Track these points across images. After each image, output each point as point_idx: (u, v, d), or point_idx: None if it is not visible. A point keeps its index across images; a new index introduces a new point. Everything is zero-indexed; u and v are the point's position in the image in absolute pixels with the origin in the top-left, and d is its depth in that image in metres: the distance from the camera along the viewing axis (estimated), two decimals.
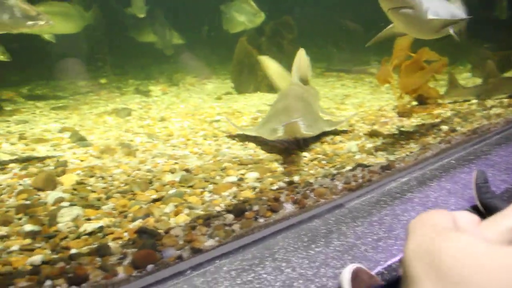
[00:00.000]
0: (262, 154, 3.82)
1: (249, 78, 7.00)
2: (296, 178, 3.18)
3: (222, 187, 3.03)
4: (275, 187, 3.03)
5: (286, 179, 3.16)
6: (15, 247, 2.36)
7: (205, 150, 3.94)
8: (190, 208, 2.71)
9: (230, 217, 2.58)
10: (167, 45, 8.58)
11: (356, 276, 2.12)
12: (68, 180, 3.28)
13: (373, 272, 2.29)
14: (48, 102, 6.96)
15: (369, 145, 4.10)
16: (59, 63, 8.22)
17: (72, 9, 6.79)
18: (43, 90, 8.07)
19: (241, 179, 3.18)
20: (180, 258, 2.26)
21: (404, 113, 5.29)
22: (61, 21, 6.38)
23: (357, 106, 5.99)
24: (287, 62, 6.74)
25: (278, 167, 3.46)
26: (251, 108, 5.80)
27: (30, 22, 3.11)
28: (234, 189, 3.00)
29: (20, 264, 2.17)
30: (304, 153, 3.78)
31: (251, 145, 4.07)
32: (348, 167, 3.49)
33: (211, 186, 3.08)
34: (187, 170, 3.39)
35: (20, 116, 5.85)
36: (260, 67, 6.38)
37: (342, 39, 9.94)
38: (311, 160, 3.63)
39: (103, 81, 8.58)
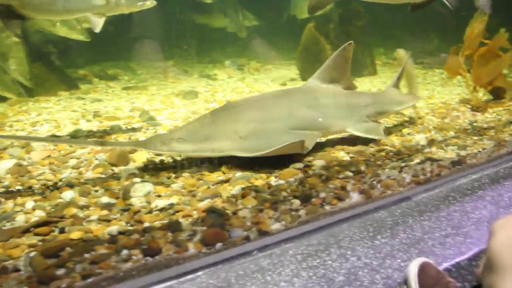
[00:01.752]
0: (328, 143, 3.80)
1: (315, 65, 6.93)
2: (363, 168, 3.15)
3: (288, 172, 3.06)
4: (341, 176, 3.02)
5: (353, 168, 3.14)
6: (94, 217, 2.51)
7: None
8: (257, 191, 2.76)
9: (296, 202, 2.61)
10: (240, 27, 8.59)
11: (423, 270, 2.09)
12: (139, 157, 3.44)
13: (440, 268, 2.25)
14: (119, 82, 7.28)
15: (439, 139, 3.97)
16: (133, 44, 8.55)
17: None
18: (114, 70, 8.43)
19: (307, 166, 3.20)
20: (247, 239, 2.32)
21: (478, 108, 5.04)
22: None
23: (427, 98, 5.79)
24: (355, 51, 6.62)
25: (344, 156, 3.43)
26: None
27: (140, 3, 3.28)
28: (300, 175, 3.02)
29: (99, 232, 2.31)
30: (371, 144, 3.72)
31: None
32: (417, 160, 3.40)
33: (276, 171, 3.11)
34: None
35: (94, 95, 6.16)
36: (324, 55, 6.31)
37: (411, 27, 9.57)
38: (378, 151, 3.57)
39: (170, 63, 8.82)
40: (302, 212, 2.55)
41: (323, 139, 3.86)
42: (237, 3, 8.72)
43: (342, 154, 3.49)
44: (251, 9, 9.12)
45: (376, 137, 3.75)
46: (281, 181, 2.96)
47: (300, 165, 3.22)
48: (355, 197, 2.79)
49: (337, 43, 6.74)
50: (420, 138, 3.91)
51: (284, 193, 2.74)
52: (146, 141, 3.26)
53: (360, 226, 2.58)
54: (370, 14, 7.32)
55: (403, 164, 3.31)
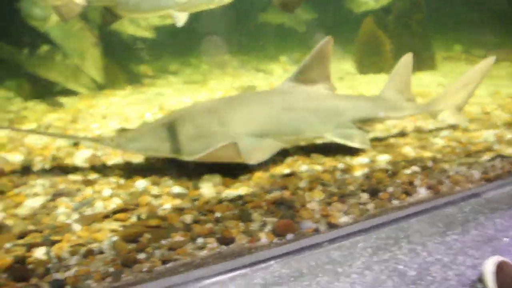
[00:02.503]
0: (391, 138, 3.76)
1: (373, 59, 6.84)
2: (430, 164, 3.10)
3: (353, 167, 3.06)
4: (408, 171, 2.99)
5: (420, 164, 3.10)
6: (167, 206, 2.64)
7: None
8: (324, 185, 2.79)
9: (364, 196, 2.62)
10: (298, 22, 8.53)
11: (501, 269, 2.04)
12: None
13: None
14: (180, 77, 7.49)
15: (509, 135, 3.82)
16: (193, 40, 8.75)
17: None
18: (174, 66, 8.66)
19: (372, 161, 3.19)
20: (316, 231, 2.36)
21: None
22: None
23: (492, 93, 5.57)
24: (414, 45, 6.46)
25: (409, 152, 3.39)
26: (375, 91, 5.67)
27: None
28: (366, 170, 3.02)
29: (174, 220, 2.43)
30: (437, 139, 3.65)
31: (378, 126, 4.02)
32: (486, 157, 3.31)
33: (341, 165, 3.13)
34: (316, 148, 3.47)
35: (157, 89, 6.38)
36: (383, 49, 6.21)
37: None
38: (445, 147, 3.50)
39: (227, 58, 8.95)
40: (370, 206, 2.56)
41: (386, 134, 3.83)
42: None
43: (407, 149, 3.44)
44: (309, 2, 9.05)
45: (359, 146, 3.30)
46: (347, 175, 2.97)
47: (365, 159, 3.21)
48: (423, 192, 2.77)
49: (396, 36, 6.59)
50: (488, 135, 3.78)
51: (351, 187, 2.75)
52: (101, 137, 3.39)
53: (429, 222, 2.56)
54: (430, 6, 7.10)
55: (471, 161, 3.23)
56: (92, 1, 3.01)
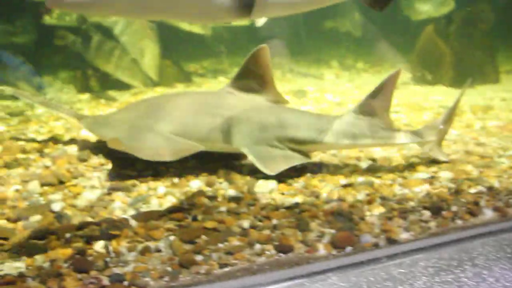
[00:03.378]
0: (453, 154, 3.62)
1: (432, 70, 6.64)
2: (496, 184, 2.96)
3: (413, 182, 2.97)
4: (473, 190, 2.86)
5: (485, 184, 2.96)
6: (223, 208, 2.63)
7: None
8: (383, 198, 2.72)
9: (426, 213, 2.53)
10: (355, 25, 8.34)
11: None
12: None
13: None
14: (228, 77, 7.53)
15: None
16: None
17: None
18: (222, 65, 8.71)
19: (433, 177, 3.08)
20: (376, 246, 2.29)
21: None
22: None
23: None
24: (477, 57, 6.22)
25: (472, 170, 3.25)
26: (433, 103, 5.51)
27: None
28: (427, 186, 2.92)
29: (231, 224, 2.41)
30: (503, 159, 3.49)
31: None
32: None
33: (400, 180, 3.04)
34: (373, 160, 3.40)
35: (207, 88, 6.44)
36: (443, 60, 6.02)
37: None
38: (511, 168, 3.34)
39: (275, 60, 8.92)
40: (432, 224, 2.47)
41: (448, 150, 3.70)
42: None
43: (469, 168, 3.30)
44: (362, 8, 8.91)
45: (266, 171, 2.91)
46: (406, 190, 2.88)
47: (425, 175, 3.11)
48: (488, 213, 2.64)
49: (458, 47, 6.38)
50: None
51: (411, 203, 2.66)
52: (80, 115, 3.81)
53: (495, 245, 2.43)
54: (497, 16, 6.80)
55: None
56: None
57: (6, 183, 3.04)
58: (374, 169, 3.20)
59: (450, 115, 3.41)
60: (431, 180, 3.03)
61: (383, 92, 3.17)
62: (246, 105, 3.20)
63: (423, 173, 3.15)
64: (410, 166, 3.28)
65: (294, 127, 3.09)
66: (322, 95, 6.04)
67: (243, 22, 3.62)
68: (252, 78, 3.23)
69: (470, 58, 5.37)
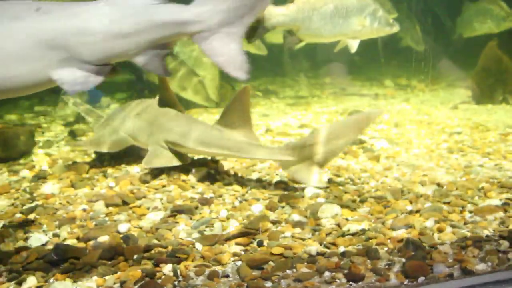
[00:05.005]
0: None
1: (495, 88, 6.34)
2: None
3: (485, 209, 2.82)
4: None
5: None
6: (287, 233, 2.60)
7: (452, 165, 3.74)
8: (453, 226, 2.60)
9: (505, 244, 2.39)
10: (417, 40, 8.08)
11: None
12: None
13: None
14: (281, 98, 7.56)
15: None
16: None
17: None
18: (273, 86, 8.76)
19: (507, 204, 2.92)
20: (450, 276, 2.18)
21: None
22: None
23: None
24: None
25: None
26: (498, 123, 5.26)
27: (388, 28, 3.53)
28: (501, 213, 2.77)
29: (298, 250, 2.38)
30: None
31: (509, 165, 3.70)
32: None
33: (470, 206, 2.90)
34: (438, 185, 3.27)
35: (261, 109, 6.47)
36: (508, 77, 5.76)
37: None
38: None
39: (327, 80, 8.87)
40: (511, 255, 2.33)
41: None
42: (411, 14, 8.20)
43: None
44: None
45: (143, 163, 3.52)
46: (478, 218, 2.74)
47: (497, 202, 2.96)
48: None
49: None
50: None
51: (486, 231, 2.53)
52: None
53: None
54: None
55: None
56: (277, 25, 3.27)
57: (74, 203, 3.15)
58: (440, 194, 3.07)
59: (330, 134, 3.21)
60: (505, 207, 2.87)
61: (237, 108, 3.49)
62: (158, 111, 3.83)
63: (495, 199, 2.99)
64: (480, 192, 3.13)
65: (171, 132, 3.60)
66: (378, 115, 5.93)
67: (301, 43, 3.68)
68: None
69: None
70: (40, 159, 4.26)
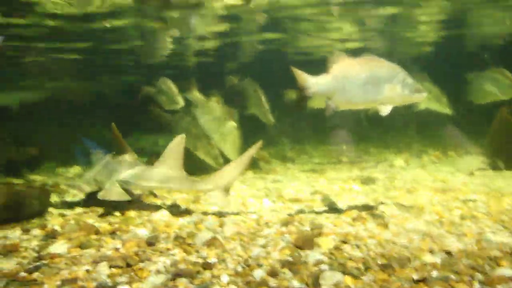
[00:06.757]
0: None
1: (510, 152, 6.25)
2: None
3: (496, 279, 2.70)
4: None
5: None
6: None
7: (464, 232, 3.63)
8: None
9: None
10: (444, 105, 8.16)
11: None
12: (325, 243, 3.42)
13: None
14: (296, 164, 7.60)
15: None
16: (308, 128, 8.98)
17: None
18: (289, 153, 8.84)
19: None
20: None
21: None
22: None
23: None
24: None
25: None
26: None
27: (417, 94, 3.71)
28: None
29: None
30: None
31: None
32: None
33: (480, 276, 2.78)
34: (448, 253, 3.17)
35: (275, 176, 6.50)
36: None
37: None
38: None
39: (343, 147, 8.92)
40: None
41: None
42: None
43: None
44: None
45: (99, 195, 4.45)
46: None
47: (509, 271, 2.82)
48: None
49: None
50: None
51: None
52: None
53: None
54: None
55: None
56: (316, 93, 3.68)
57: (79, 263, 3.16)
58: (449, 263, 2.96)
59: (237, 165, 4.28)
60: None
61: (172, 151, 4.43)
62: (118, 163, 4.72)
63: (507, 268, 2.86)
64: (491, 260, 3.01)
65: (120, 173, 4.57)
66: (392, 182, 5.88)
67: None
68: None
69: None
70: (53, 218, 4.34)
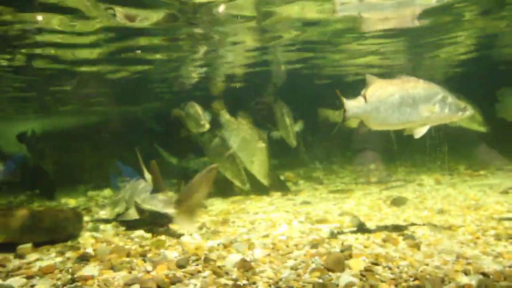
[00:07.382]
0: None
1: None
2: None
3: None
4: None
5: None
6: None
7: (501, 253, 3.53)
8: None
9: None
10: (480, 124, 8.02)
11: None
12: (356, 264, 3.38)
13: None
14: (324, 185, 7.56)
15: None
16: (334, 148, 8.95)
17: None
18: (317, 173, 8.81)
19: None
20: None
21: None
22: None
23: None
24: None
25: None
26: None
27: (460, 113, 3.71)
28: None
29: None
30: None
31: None
32: None
33: None
34: (484, 274, 3.08)
35: (303, 197, 6.48)
36: None
37: None
38: None
39: (372, 167, 8.83)
40: None
41: None
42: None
43: None
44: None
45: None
46: None
47: None
48: None
49: None
50: None
51: None
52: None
53: None
54: None
55: None
56: (352, 116, 3.72)
57: (111, 285, 3.21)
58: (486, 285, 2.89)
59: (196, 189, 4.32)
60: None
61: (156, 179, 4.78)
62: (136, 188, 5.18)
63: None
64: None
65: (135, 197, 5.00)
66: (423, 202, 5.78)
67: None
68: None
69: None
70: (86, 241, 4.43)
